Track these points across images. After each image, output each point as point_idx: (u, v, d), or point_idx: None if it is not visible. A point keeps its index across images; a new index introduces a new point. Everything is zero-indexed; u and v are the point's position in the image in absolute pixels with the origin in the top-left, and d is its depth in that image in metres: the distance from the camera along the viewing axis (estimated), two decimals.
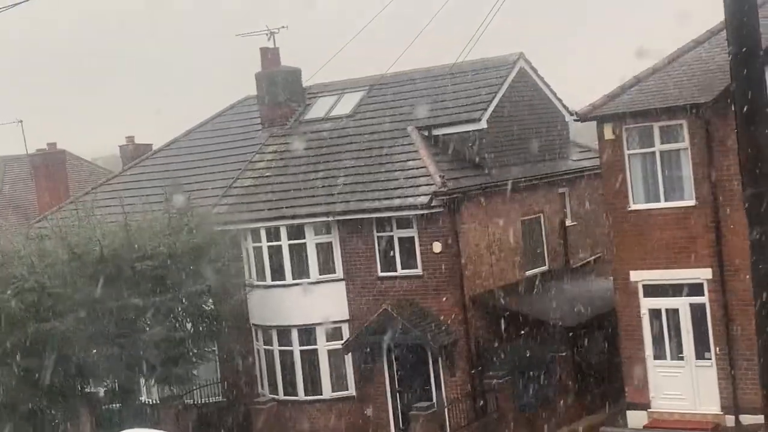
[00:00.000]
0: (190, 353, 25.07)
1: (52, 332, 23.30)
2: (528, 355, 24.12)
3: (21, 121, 37.34)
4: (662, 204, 20.77)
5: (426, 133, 26.25)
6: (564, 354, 24.47)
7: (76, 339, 23.44)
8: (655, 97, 20.82)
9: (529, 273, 26.49)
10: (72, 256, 24.22)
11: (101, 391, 25.86)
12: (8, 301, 23.60)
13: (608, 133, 21.17)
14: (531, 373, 23.98)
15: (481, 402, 23.75)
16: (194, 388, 26.40)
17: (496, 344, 24.55)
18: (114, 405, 25.58)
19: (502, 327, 24.70)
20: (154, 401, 26.54)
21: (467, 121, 25.88)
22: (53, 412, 24.07)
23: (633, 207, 21.06)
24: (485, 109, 25.86)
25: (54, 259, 24.37)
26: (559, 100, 28.45)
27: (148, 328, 23.95)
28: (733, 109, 11.17)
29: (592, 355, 25.00)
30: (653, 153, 20.83)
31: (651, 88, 21.26)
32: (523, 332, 24.48)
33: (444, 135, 26.17)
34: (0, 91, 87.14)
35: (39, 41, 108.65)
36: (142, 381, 25.80)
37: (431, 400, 23.77)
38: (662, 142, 20.71)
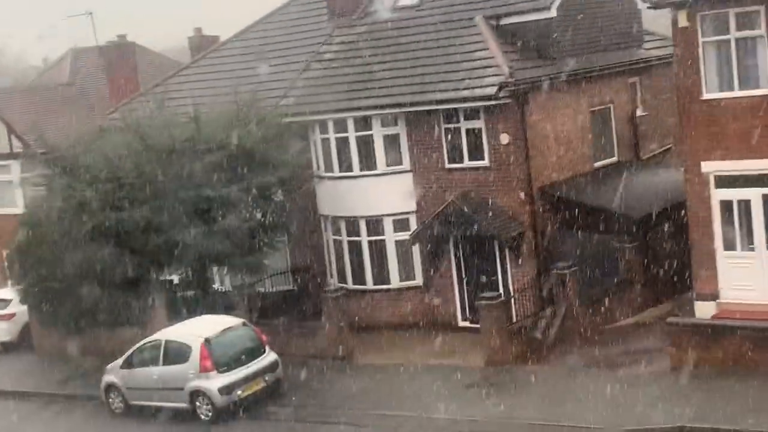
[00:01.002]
0: (261, 243, 25.56)
1: (127, 221, 23.93)
2: (595, 246, 24.14)
3: (91, 13, 37.69)
4: (736, 93, 20.27)
5: (494, 23, 25.82)
6: (632, 245, 24.42)
7: (150, 228, 24.05)
8: None
9: (598, 164, 26.31)
10: (144, 147, 24.66)
11: (176, 279, 26.64)
12: (84, 190, 24.24)
13: (682, 20, 20.61)
14: (598, 263, 24.04)
15: (547, 292, 23.92)
16: (265, 276, 27.00)
17: (564, 235, 24.57)
18: (188, 293, 26.33)
19: (570, 218, 24.69)
20: (227, 289, 27.27)
21: (536, 10, 25.37)
22: (130, 299, 24.84)
23: (706, 96, 20.62)
24: None
25: (127, 150, 24.85)
26: None
27: (219, 218, 24.44)
28: None
29: (661, 246, 24.90)
30: (728, 41, 20.26)
31: None
32: (590, 223, 24.45)
33: (512, 24, 25.73)
34: None
35: None
36: (215, 269, 26.47)
37: (497, 290, 24.02)
38: (738, 29, 20.10)
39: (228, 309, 24.87)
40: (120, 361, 23.18)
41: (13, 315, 29.92)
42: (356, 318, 25.78)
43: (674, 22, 20.83)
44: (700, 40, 20.51)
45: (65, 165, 25.35)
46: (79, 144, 25.87)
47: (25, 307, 28.25)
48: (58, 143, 26.51)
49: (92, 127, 28.14)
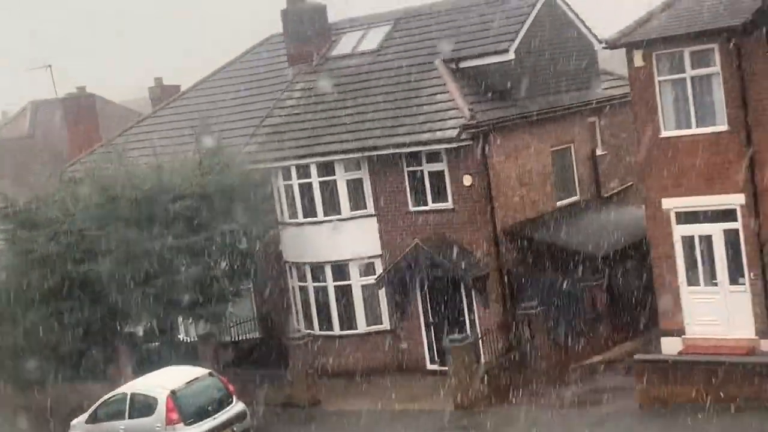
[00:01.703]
0: (226, 291, 25.38)
1: (89, 274, 23.69)
2: (561, 285, 24.20)
3: (50, 66, 37.58)
4: (694, 130, 20.57)
5: (453, 66, 26.08)
6: (597, 283, 24.52)
7: (113, 280, 23.82)
8: (685, 22, 20.51)
9: (560, 203, 26.49)
10: (106, 199, 24.48)
11: (140, 331, 26.32)
12: (45, 244, 23.99)
13: (638, 60, 20.93)
14: (564, 302, 24.09)
15: (515, 332, 23.91)
16: (231, 325, 26.77)
17: (529, 275, 24.62)
18: (153, 344, 26.02)
19: (535, 258, 24.77)
20: (192, 339, 26.99)
21: (495, 53, 25.65)
22: (94, 352, 24.52)
23: (664, 134, 20.89)
24: (513, 40, 25.59)
25: (88, 202, 24.67)
26: (588, 28, 28.09)
27: (183, 268, 24.25)
28: (764, 31, 11.01)
29: (625, 283, 25.02)
30: (684, 79, 20.58)
31: (681, 12, 20.92)
32: (555, 262, 24.54)
33: (472, 67, 25.98)
34: (28, 35, 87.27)
35: None
36: (180, 320, 26.20)
37: (465, 332, 23.97)
38: (693, 68, 20.43)
39: (194, 359, 24.58)
40: (85, 415, 22.78)
41: None
42: (324, 364, 25.58)
43: (630, 62, 21.13)
44: (657, 78, 20.82)
45: (26, 219, 25.09)
46: (40, 197, 25.64)
47: None
48: (19, 197, 26.27)
49: (53, 180, 27.89)
